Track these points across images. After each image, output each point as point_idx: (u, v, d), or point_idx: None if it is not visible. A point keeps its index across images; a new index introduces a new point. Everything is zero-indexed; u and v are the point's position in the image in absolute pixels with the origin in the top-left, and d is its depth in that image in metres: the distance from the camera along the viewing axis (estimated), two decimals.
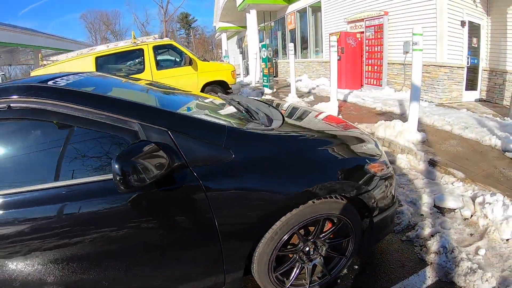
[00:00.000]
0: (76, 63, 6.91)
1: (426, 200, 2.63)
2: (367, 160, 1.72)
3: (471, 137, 3.90)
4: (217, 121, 1.59)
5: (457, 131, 4.12)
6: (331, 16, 10.07)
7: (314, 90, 9.17)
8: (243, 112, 2.00)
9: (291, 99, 7.60)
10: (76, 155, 1.33)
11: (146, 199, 1.32)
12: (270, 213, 1.45)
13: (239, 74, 15.78)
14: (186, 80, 7.49)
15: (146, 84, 2.54)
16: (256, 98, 3.46)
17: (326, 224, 1.77)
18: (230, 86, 8.08)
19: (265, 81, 10.21)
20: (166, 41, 7.66)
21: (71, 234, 1.27)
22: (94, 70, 6.84)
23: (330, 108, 5.61)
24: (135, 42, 7.26)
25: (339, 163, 1.64)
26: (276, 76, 15.80)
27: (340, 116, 5.44)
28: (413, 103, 3.81)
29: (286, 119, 1.94)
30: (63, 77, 1.66)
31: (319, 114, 2.37)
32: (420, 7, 6.34)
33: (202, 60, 7.93)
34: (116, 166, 1.12)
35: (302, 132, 1.78)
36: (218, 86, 7.96)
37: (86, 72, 2.11)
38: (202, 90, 7.75)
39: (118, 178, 1.13)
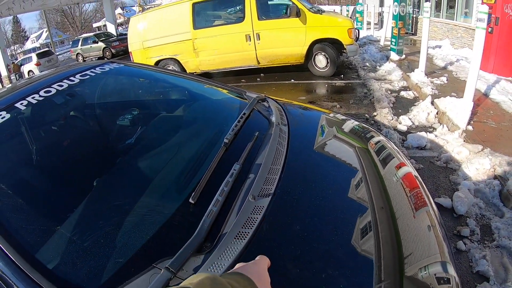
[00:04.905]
0: (174, 9, 7.00)
1: None
2: None
3: None
4: None
5: None
6: None
7: (451, 67, 7.31)
8: None
9: (417, 77, 6.23)
10: None
11: None
12: None
13: (370, 27, 13.82)
14: (291, 34, 6.81)
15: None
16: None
17: None
18: (345, 46, 7.01)
19: (393, 43, 8.62)
20: None
21: None
22: (191, 17, 6.78)
23: (459, 111, 4.14)
24: None
25: None
26: (415, 34, 13.23)
27: (469, 127, 3.87)
28: None
29: None
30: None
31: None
32: None
33: (314, 12, 6.93)
34: None
35: None
36: (330, 45, 7.01)
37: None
38: (310, 48, 7.01)
39: None
